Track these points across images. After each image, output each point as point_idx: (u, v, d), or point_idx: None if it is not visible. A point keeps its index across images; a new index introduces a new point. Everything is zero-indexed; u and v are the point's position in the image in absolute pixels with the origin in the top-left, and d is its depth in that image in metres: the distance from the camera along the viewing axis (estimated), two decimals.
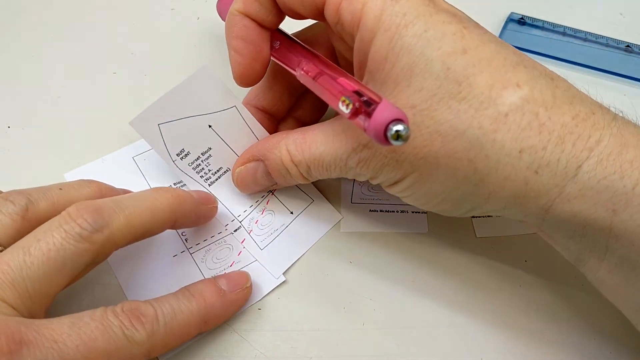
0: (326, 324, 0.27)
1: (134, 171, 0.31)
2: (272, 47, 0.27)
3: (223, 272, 0.28)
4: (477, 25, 0.23)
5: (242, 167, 0.28)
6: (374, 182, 0.25)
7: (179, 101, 0.28)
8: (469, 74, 0.21)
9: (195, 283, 0.25)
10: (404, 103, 0.21)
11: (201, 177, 0.30)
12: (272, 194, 0.30)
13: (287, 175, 0.27)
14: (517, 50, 0.23)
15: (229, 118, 0.29)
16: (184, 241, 0.29)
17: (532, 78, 0.21)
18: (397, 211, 0.30)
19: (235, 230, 0.29)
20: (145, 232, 0.24)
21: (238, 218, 0.30)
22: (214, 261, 0.28)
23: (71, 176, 0.31)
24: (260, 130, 0.29)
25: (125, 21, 0.41)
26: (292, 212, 0.30)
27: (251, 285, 0.27)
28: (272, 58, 0.27)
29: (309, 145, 0.25)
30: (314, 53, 0.26)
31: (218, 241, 0.29)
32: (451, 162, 0.21)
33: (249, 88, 0.30)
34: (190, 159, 0.29)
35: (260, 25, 0.25)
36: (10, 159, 0.32)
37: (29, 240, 0.21)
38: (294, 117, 0.31)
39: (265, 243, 0.29)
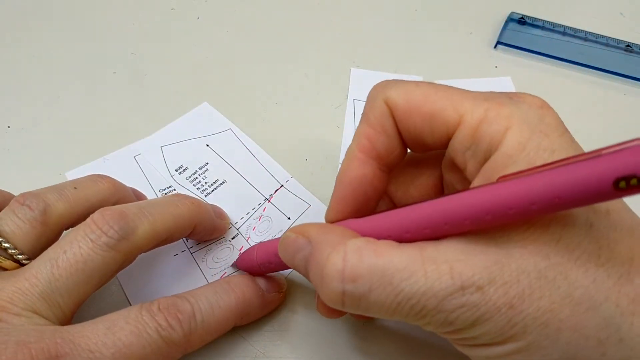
0: (326, 324, 0.27)
1: (135, 170, 0.31)
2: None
3: (224, 272, 0.28)
4: None
5: (293, 235, 0.21)
6: (453, 336, 0.18)
7: (180, 129, 0.34)
8: (611, 239, 0.18)
9: (234, 276, 0.25)
10: (536, 250, 0.17)
11: (197, 188, 0.31)
12: (269, 201, 0.31)
13: (320, 284, 0.19)
14: None
15: (226, 138, 0.33)
16: (185, 240, 0.29)
17: None
18: None
19: (232, 238, 0.29)
20: (167, 238, 0.24)
21: (235, 225, 0.30)
22: (214, 260, 0.28)
23: (72, 175, 0.31)
24: (254, 148, 0.32)
25: (125, 21, 0.41)
26: (289, 218, 0.30)
27: (286, 292, 0.27)
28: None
29: (382, 264, 0.18)
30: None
31: (218, 241, 0.29)
32: (575, 339, 0.17)
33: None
34: (187, 173, 0.31)
35: (380, 169, 0.21)
36: (10, 159, 0.32)
37: (56, 252, 0.21)
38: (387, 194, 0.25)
39: None
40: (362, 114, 0.21)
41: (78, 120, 0.34)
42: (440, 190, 0.23)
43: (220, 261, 0.28)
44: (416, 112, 0.20)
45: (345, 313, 0.23)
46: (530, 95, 0.19)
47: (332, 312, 0.23)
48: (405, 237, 0.18)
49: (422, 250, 0.18)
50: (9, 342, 0.18)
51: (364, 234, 0.19)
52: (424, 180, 0.23)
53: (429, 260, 0.17)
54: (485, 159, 0.19)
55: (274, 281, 0.26)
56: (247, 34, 0.41)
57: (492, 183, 0.17)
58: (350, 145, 0.21)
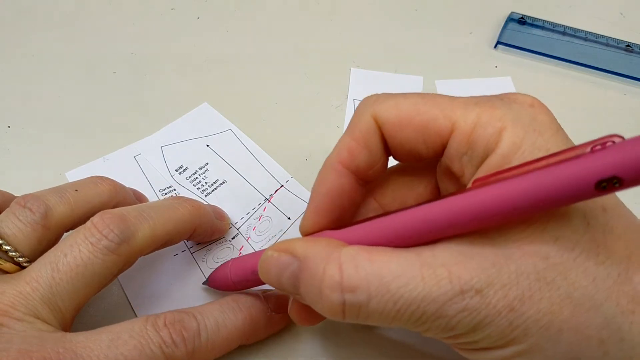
0: (326, 323, 0.27)
1: (136, 170, 0.31)
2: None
3: None
4: None
5: (276, 254, 0.20)
6: (454, 341, 0.18)
7: (180, 129, 0.34)
8: (608, 237, 0.18)
9: (243, 296, 0.24)
10: (535, 250, 0.17)
11: (197, 188, 0.31)
12: (269, 201, 0.31)
13: (318, 298, 0.18)
14: None
15: (226, 138, 0.33)
16: (185, 240, 0.29)
17: None
18: None
19: (232, 238, 0.29)
20: (167, 241, 0.24)
21: (235, 226, 0.30)
22: (214, 260, 0.28)
23: (72, 175, 0.31)
24: (254, 148, 0.32)
25: (126, 21, 0.41)
26: (289, 218, 0.30)
27: None
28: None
29: (378, 271, 0.17)
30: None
31: (218, 241, 0.29)
32: (576, 339, 0.17)
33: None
34: (187, 173, 0.32)
35: (358, 182, 0.21)
36: (10, 159, 0.32)
37: (56, 255, 0.20)
38: (377, 201, 0.23)
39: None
40: (348, 126, 0.21)
41: (78, 120, 0.34)
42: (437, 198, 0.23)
43: (220, 261, 0.28)
44: (407, 125, 0.19)
45: (322, 320, 0.23)
46: (521, 94, 0.19)
47: (306, 320, 0.22)
48: (394, 244, 0.18)
49: (418, 255, 0.17)
50: (10, 350, 0.18)
51: (351, 244, 0.19)
52: (421, 190, 0.23)
53: (425, 265, 0.17)
54: (477, 165, 0.18)
55: (283, 301, 0.25)
56: (247, 34, 0.41)
57: (468, 189, 0.17)
58: (330, 155, 0.21)
